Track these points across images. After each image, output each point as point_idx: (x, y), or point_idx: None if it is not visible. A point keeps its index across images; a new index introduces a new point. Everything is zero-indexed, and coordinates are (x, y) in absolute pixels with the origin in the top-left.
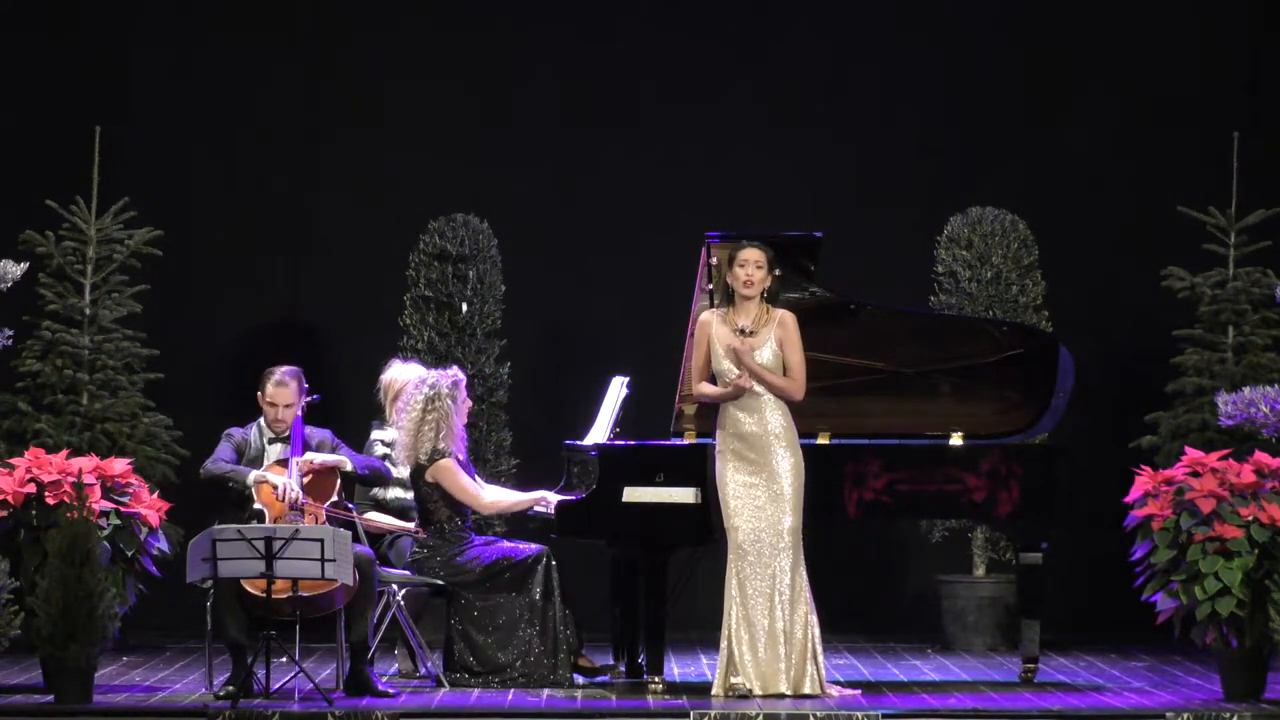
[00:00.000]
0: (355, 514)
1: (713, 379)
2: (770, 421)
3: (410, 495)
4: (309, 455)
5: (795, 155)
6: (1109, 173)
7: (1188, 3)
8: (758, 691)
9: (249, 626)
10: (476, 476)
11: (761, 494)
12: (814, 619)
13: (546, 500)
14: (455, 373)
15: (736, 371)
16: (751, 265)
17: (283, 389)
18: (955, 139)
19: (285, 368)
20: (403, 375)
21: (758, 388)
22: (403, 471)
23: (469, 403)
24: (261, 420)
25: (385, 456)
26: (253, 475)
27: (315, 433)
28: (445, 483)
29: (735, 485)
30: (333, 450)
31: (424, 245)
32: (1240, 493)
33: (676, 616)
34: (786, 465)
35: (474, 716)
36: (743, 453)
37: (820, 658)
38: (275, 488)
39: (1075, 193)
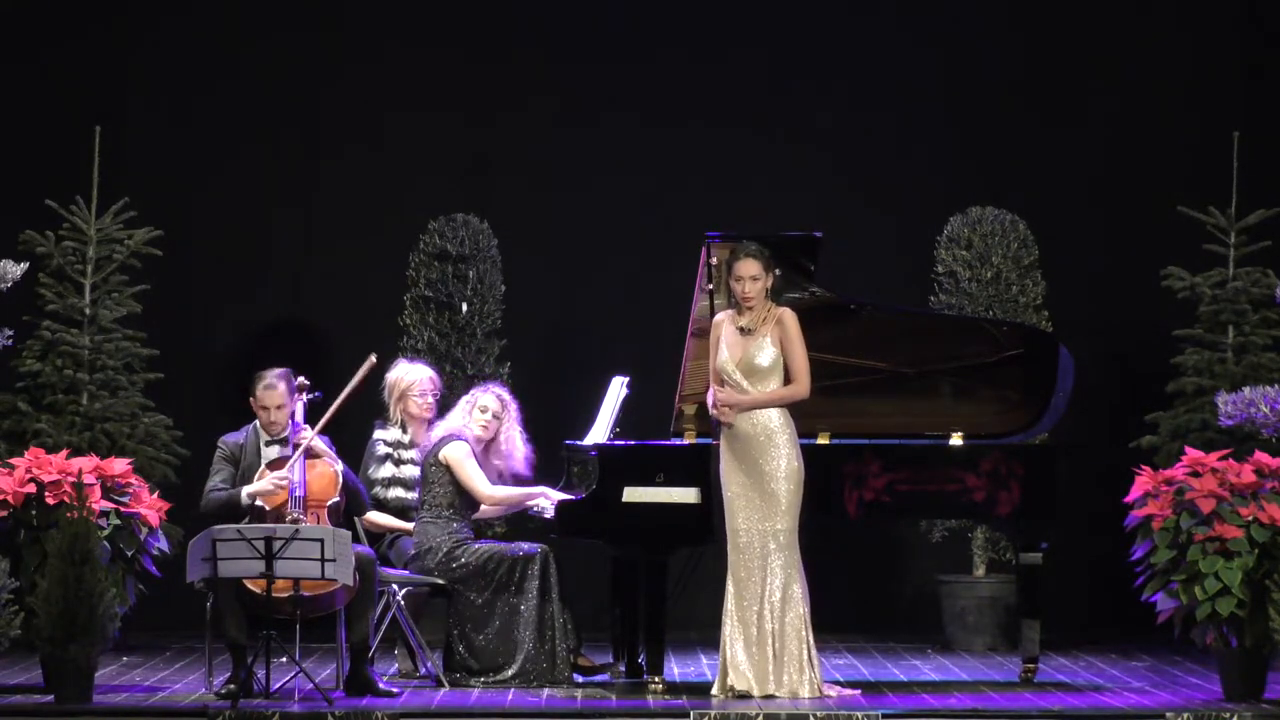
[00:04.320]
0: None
1: (720, 379)
2: (765, 423)
3: (411, 495)
4: (308, 432)
5: (795, 155)
6: (1109, 173)
7: (1187, 3)
8: (755, 692)
9: (249, 626)
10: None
11: (755, 495)
12: (808, 622)
13: (547, 495)
14: (506, 394)
15: (733, 368)
16: (747, 280)
17: (271, 391)
18: (955, 139)
19: (273, 370)
20: (408, 375)
21: (752, 391)
22: (405, 471)
23: (518, 425)
24: (257, 423)
25: (387, 456)
26: (244, 492)
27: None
28: (454, 466)
29: (733, 485)
30: None
31: (424, 245)
32: (1240, 493)
33: (676, 616)
34: (780, 467)
35: (474, 716)
36: (739, 453)
37: (816, 661)
38: (259, 496)
39: (1075, 193)
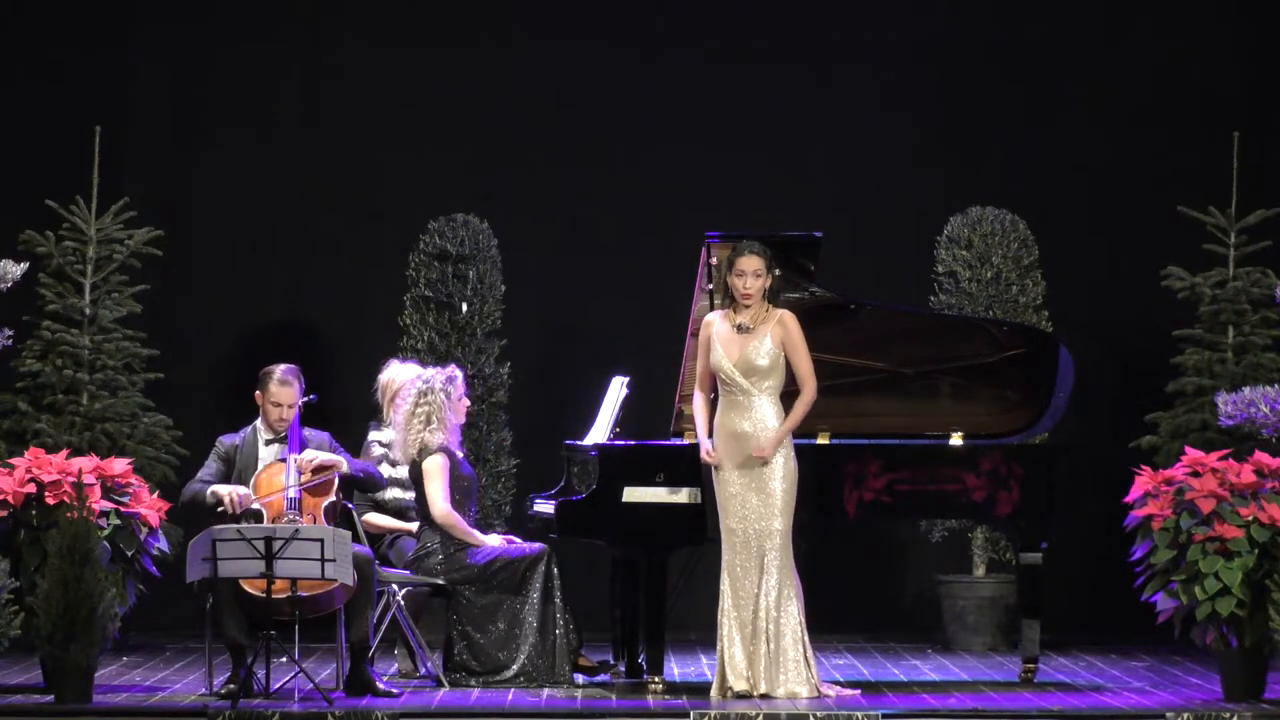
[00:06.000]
0: (355, 512)
1: (714, 380)
2: (762, 421)
3: (409, 495)
4: (306, 453)
5: (795, 155)
6: (1109, 173)
7: (1188, 3)
8: (753, 692)
9: (249, 626)
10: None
11: (752, 495)
12: (803, 621)
13: (486, 545)
14: (451, 370)
15: (730, 368)
16: (749, 275)
17: (286, 388)
18: (955, 139)
19: (285, 366)
20: (401, 376)
21: (751, 390)
22: (401, 472)
23: (466, 401)
24: (259, 422)
25: (383, 457)
26: (208, 492)
27: (314, 435)
28: (426, 476)
29: (728, 485)
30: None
31: (424, 245)
32: (1240, 493)
33: (676, 616)
34: (776, 467)
35: (474, 716)
36: (735, 453)
37: (812, 660)
38: (224, 498)
39: (1075, 193)
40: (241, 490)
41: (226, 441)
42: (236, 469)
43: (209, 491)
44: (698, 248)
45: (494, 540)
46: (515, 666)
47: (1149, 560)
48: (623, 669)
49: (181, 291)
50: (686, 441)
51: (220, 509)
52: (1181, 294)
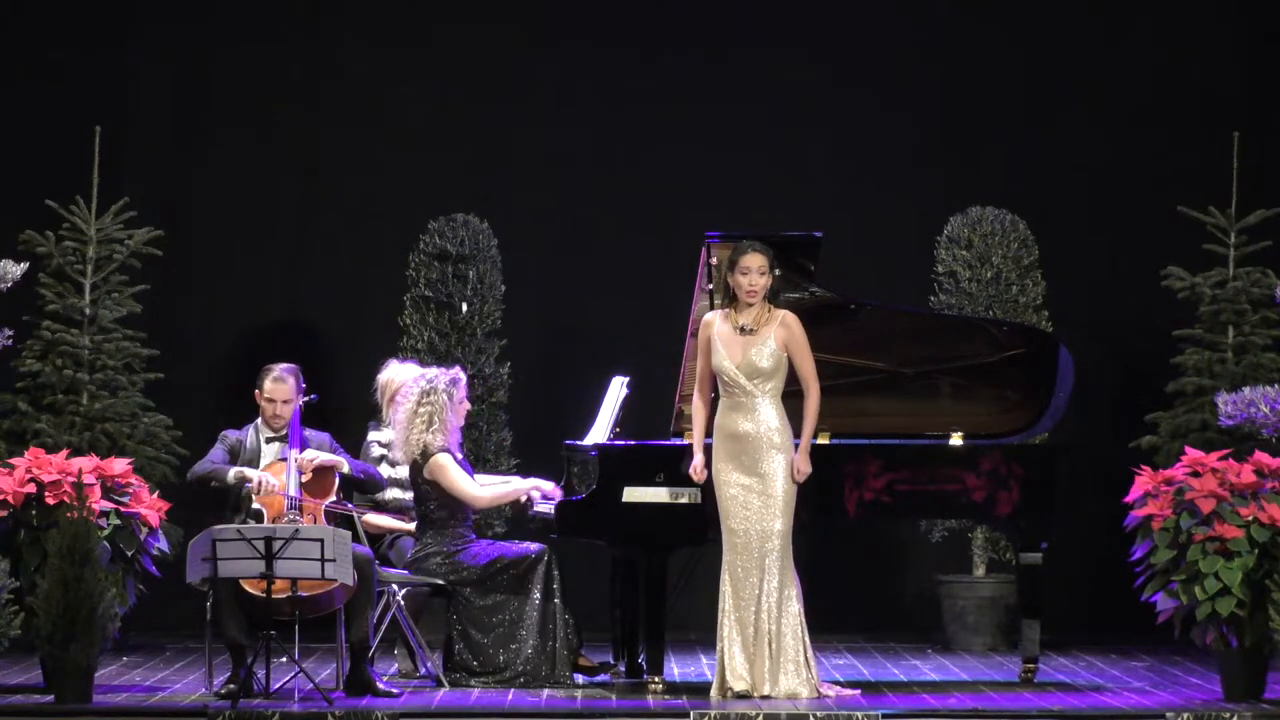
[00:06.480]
0: (354, 511)
1: (714, 380)
2: (764, 423)
3: (408, 495)
4: (307, 453)
5: (795, 154)
6: (1109, 173)
7: (1188, 3)
8: (753, 692)
9: (249, 626)
10: (475, 477)
11: (754, 496)
12: (803, 621)
13: (541, 490)
14: (455, 371)
15: (733, 370)
16: (755, 273)
17: (281, 385)
18: (955, 139)
19: (283, 364)
20: (400, 375)
21: (754, 391)
22: (400, 472)
23: (467, 404)
24: (259, 420)
25: (382, 458)
26: (232, 472)
27: (314, 435)
28: (441, 479)
29: (729, 486)
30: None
31: (424, 245)
32: (1240, 493)
33: (676, 616)
34: (778, 468)
35: (474, 716)
36: (736, 454)
37: (812, 660)
38: (251, 480)
39: (1075, 193)
40: (272, 478)
41: (232, 436)
42: (240, 463)
43: (233, 471)
44: (698, 248)
45: (526, 484)
46: (516, 667)
47: (1149, 560)
48: (623, 669)
49: (181, 291)
50: (687, 441)
51: (247, 483)
52: (1181, 294)
